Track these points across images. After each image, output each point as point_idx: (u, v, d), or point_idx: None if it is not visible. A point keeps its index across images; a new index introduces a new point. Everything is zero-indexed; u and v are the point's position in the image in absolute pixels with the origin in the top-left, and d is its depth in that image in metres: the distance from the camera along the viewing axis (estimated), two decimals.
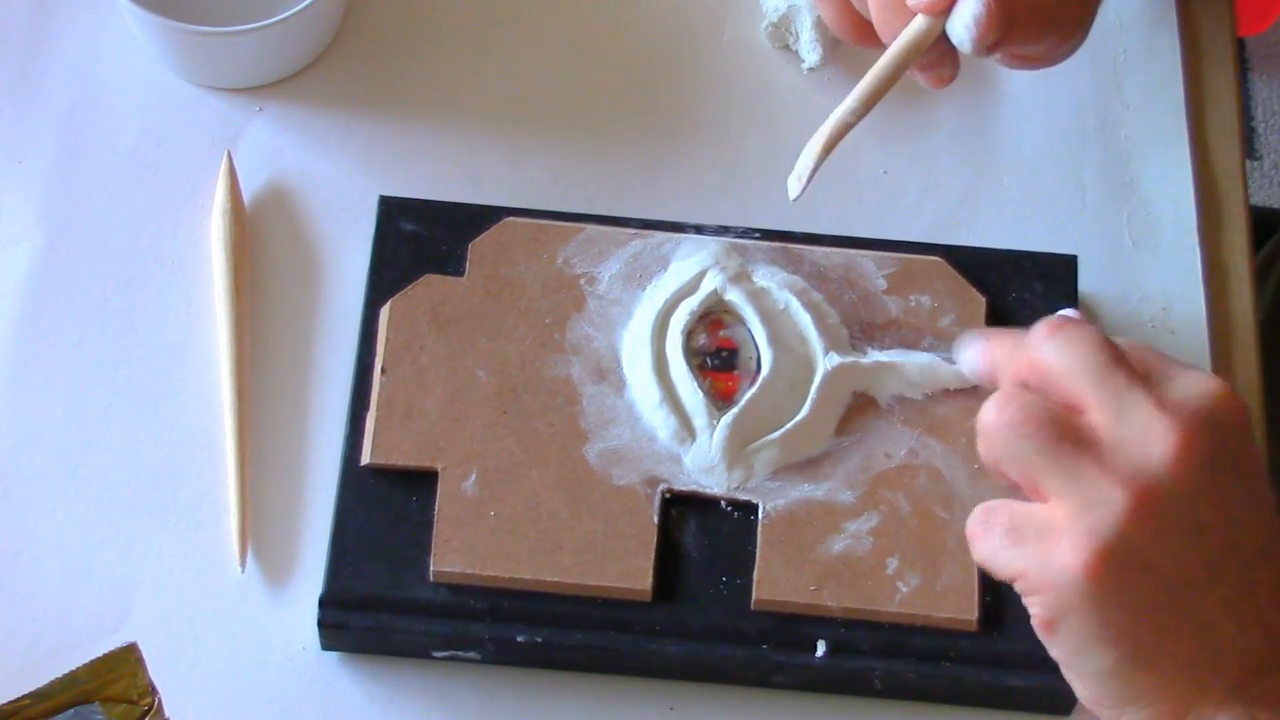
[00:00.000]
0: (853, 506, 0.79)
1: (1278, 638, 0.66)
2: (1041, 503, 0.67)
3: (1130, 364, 0.68)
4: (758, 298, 0.82)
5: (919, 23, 0.76)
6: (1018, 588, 0.67)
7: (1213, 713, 0.66)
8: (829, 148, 0.76)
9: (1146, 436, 0.65)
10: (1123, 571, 0.65)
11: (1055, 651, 0.67)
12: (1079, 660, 0.66)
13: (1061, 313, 0.73)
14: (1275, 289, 1.08)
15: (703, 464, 0.79)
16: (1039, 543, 0.66)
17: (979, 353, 0.75)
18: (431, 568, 0.77)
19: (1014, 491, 0.68)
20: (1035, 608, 0.67)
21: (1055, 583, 0.66)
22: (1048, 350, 0.68)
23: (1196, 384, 0.67)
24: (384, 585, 0.78)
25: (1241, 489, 0.66)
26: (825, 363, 0.81)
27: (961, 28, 0.75)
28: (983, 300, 0.83)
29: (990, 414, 0.67)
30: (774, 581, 0.78)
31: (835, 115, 0.76)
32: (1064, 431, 0.66)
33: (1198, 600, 0.66)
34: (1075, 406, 0.67)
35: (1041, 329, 0.69)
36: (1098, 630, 0.66)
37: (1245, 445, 0.67)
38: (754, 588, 0.78)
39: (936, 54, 0.77)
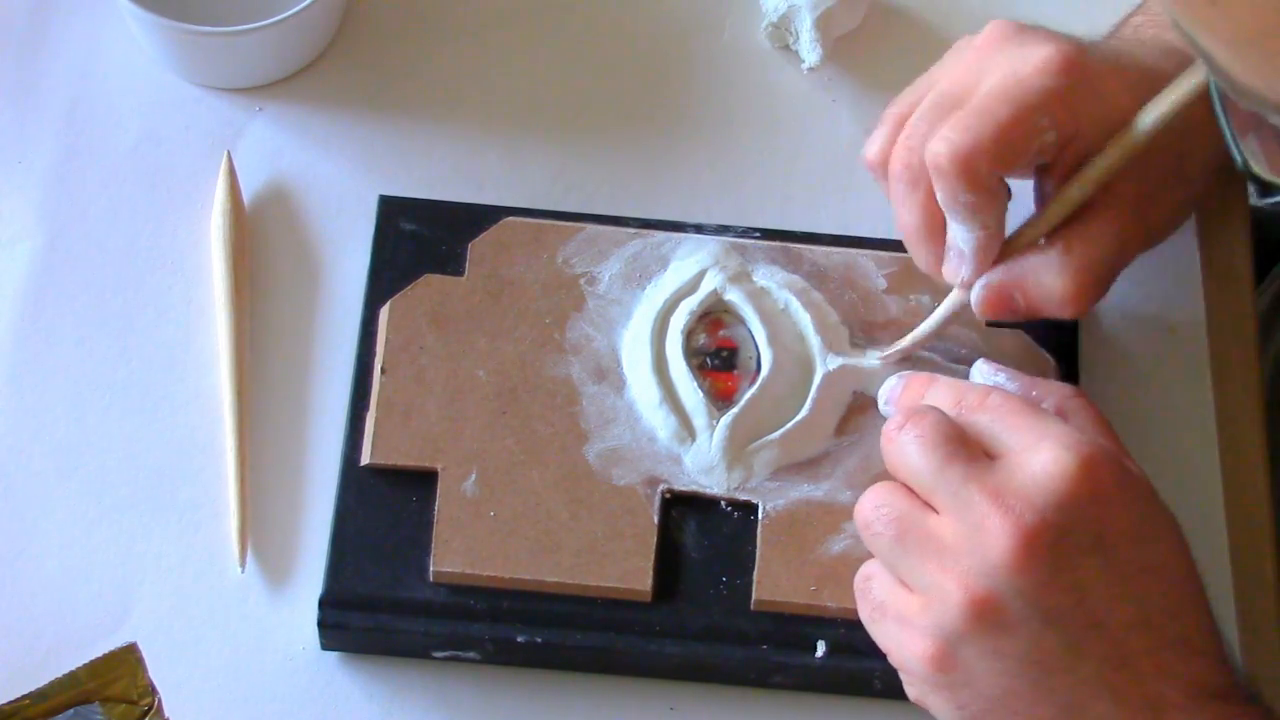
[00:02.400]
0: (853, 507, 0.78)
1: (1160, 705, 0.66)
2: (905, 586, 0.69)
3: (970, 453, 0.68)
4: (758, 297, 0.82)
5: (956, 295, 0.79)
6: (890, 659, 0.70)
7: None
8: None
9: (982, 537, 0.66)
10: (968, 662, 0.67)
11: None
12: None
13: (904, 381, 0.76)
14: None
15: (703, 464, 0.79)
16: (898, 627, 0.69)
17: (891, 399, 0.78)
18: (431, 568, 0.77)
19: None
20: (904, 685, 0.70)
21: (910, 668, 0.69)
22: (893, 451, 0.70)
23: (1044, 464, 0.66)
24: (384, 585, 0.78)
25: (1101, 563, 0.66)
26: (825, 363, 0.81)
27: (974, 296, 0.79)
28: None
29: (857, 508, 0.71)
30: (774, 582, 0.78)
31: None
32: (908, 531, 0.68)
33: (1060, 680, 0.66)
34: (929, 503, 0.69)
35: (890, 428, 0.71)
36: (956, 713, 0.68)
37: (1109, 517, 0.66)
38: (754, 588, 0.78)
39: None
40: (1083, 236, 0.77)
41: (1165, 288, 0.88)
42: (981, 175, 0.74)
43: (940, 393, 0.73)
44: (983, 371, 0.77)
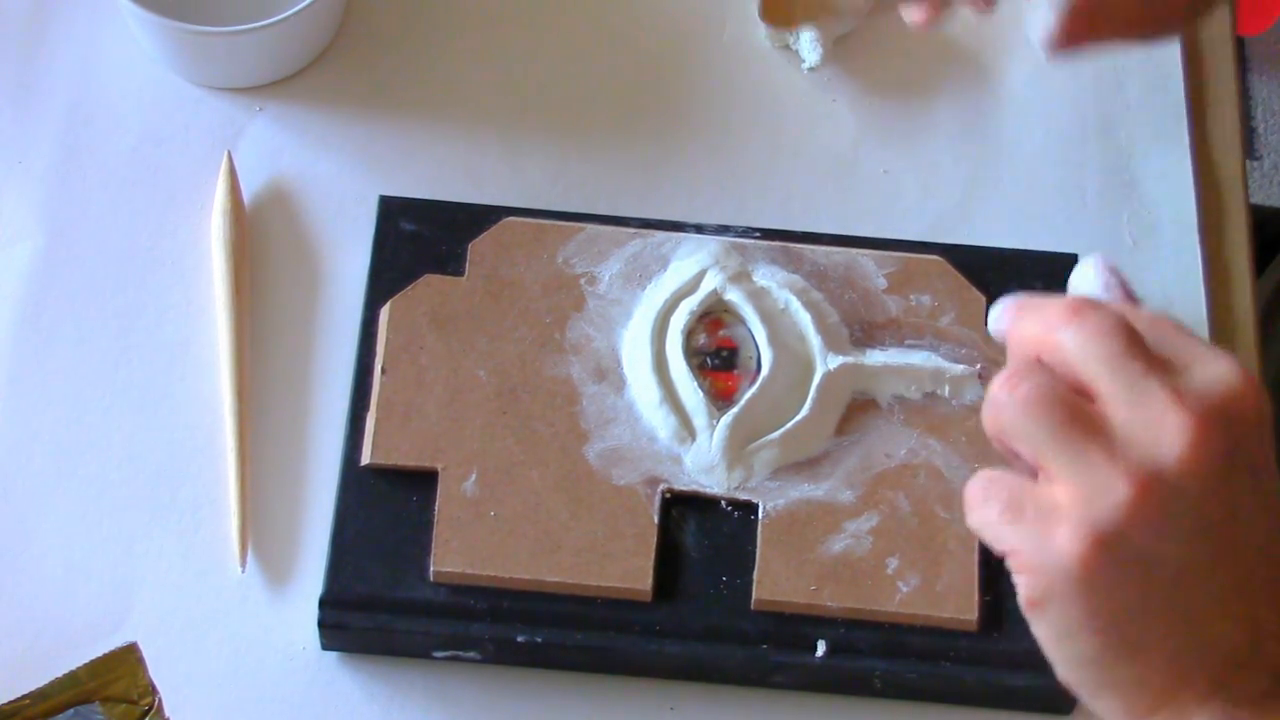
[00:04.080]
0: (853, 506, 0.79)
1: (1261, 634, 0.66)
2: (1046, 481, 0.66)
3: (1148, 352, 0.67)
4: (758, 297, 0.82)
5: None
6: (1009, 564, 0.66)
7: (1193, 709, 0.66)
8: None
9: (1159, 430, 0.64)
10: (1118, 564, 0.65)
11: (1038, 630, 0.66)
12: (1061, 644, 0.66)
13: (1085, 295, 0.71)
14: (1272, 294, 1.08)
15: (703, 464, 0.79)
16: (1037, 523, 0.65)
17: (1007, 317, 0.74)
18: (431, 568, 0.77)
19: (1013, 462, 0.67)
20: (1023, 587, 0.66)
21: (1047, 566, 0.65)
22: (1064, 334, 0.67)
23: (1218, 375, 0.65)
24: (384, 585, 0.78)
25: (1252, 485, 0.65)
26: (825, 362, 0.81)
27: (1036, 30, 0.77)
28: (983, 299, 0.83)
29: (1002, 388, 0.67)
30: (774, 581, 0.78)
31: None
32: (1075, 414, 0.65)
33: (1191, 595, 0.65)
34: (1089, 393, 0.66)
35: (1061, 310, 0.68)
36: (1083, 618, 0.65)
37: (1262, 441, 0.66)
38: (754, 588, 0.78)
39: None
40: None
41: (1165, 288, 0.88)
42: None
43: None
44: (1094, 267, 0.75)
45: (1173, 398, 0.65)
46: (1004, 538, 0.67)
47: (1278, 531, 0.67)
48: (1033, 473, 0.67)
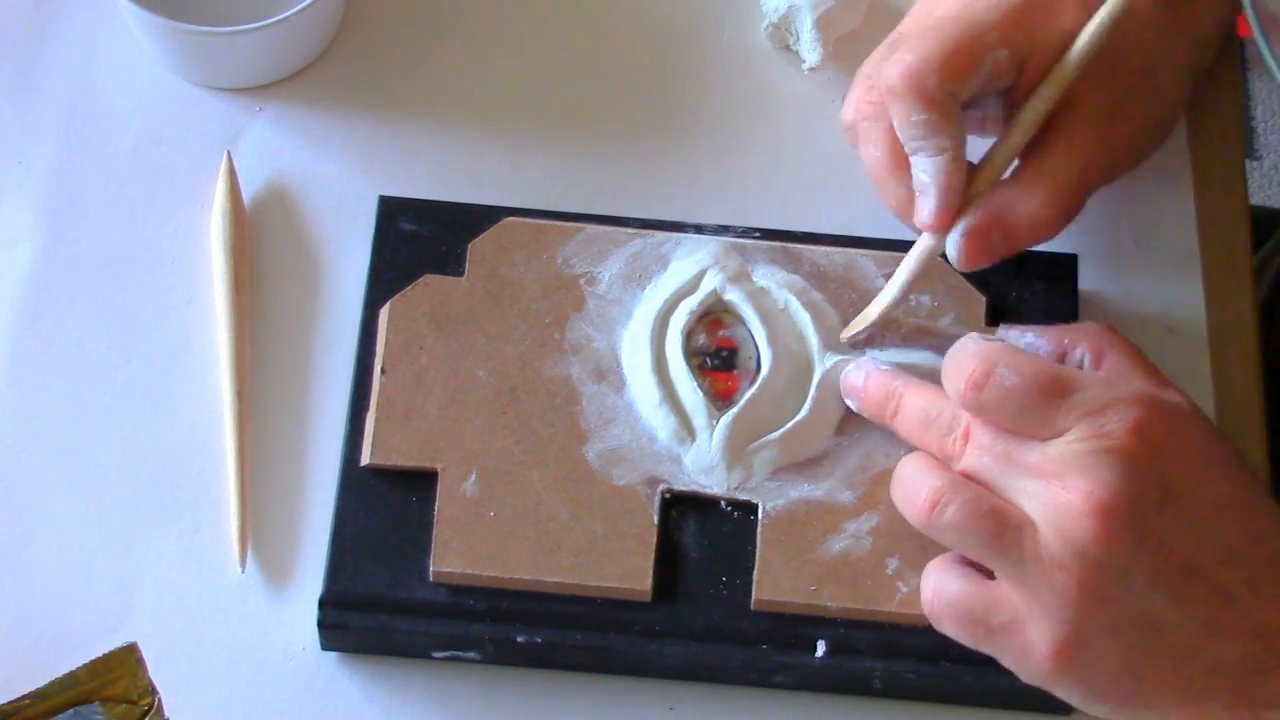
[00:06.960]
0: (853, 506, 0.79)
1: (1268, 632, 0.66)
2: (999, 583, 0.70)
3: (1020, 442, 0.69)
4: (757, 297, 0.82)
5: (926, 239, 0.79)
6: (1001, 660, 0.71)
7: (1223, 717, 0.67)
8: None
9: (1064, 521, 0.67)
10: (1088, 646, 0.67)
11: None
12: (1084, 707, 0.70)
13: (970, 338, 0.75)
14: (1271, 285, 1.08)
15: (702, 464, 0.79)
16: (1009, 635, 0.69)
17: (855, 391, 0.78)
18: (431, 568, 0.77)
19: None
20: (1023, 680, 0.71)
21: (1032, 669, 0.69)
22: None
23: (1094, 446, 0.67)
24: (384, 585, 0.78)
25: (1177, 514, 0.66)
26: (825, 362, 0.81)
27: (952, 248, 0.79)
28: (983, 300, 0.83)
29: (928, 507, 0.70)
30: (774, 581, 0.78)
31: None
32: (1003, 524, 0.68)
33: (1173, 634, 0.67)
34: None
35: (946, 439, 0.72)
36: (1084, 694, 0.69)
37: (1168, 469, 0.67)
38: (754, 588, 0.78)
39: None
40: (1049, 152, 0.78)
41: (1165, 288, 0.88)
42: (930, 91, 0.75)
43: (919, 390, 0.75)
44: (1010, 335, 0.78)
45: (1059, 485, 0.67)
46: (987, 649, 0.72)
47: (1230, 532, 0.67)
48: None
